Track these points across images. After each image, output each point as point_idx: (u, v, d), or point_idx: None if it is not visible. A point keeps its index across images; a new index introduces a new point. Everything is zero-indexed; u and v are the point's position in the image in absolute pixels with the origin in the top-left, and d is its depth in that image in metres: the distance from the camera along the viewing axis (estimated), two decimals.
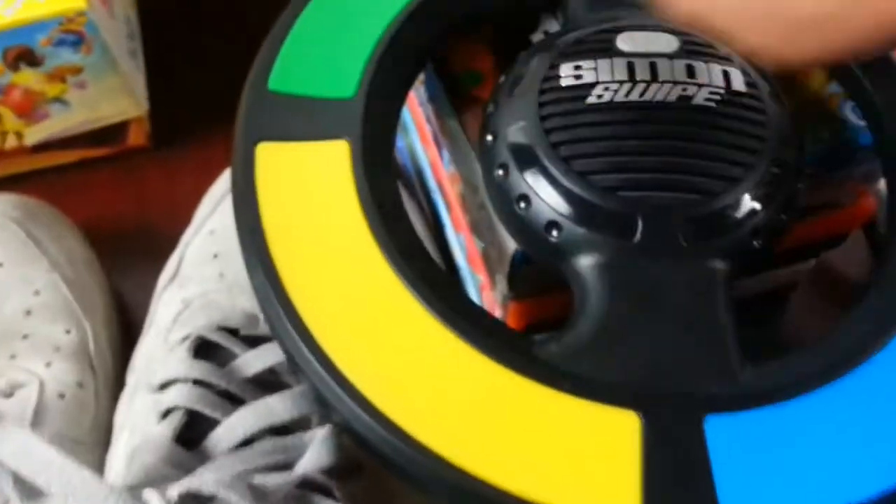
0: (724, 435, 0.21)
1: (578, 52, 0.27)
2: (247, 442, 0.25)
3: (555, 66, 0.27)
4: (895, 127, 0.28)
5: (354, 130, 0.26)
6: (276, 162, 0.26)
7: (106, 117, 0.40)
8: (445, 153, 0.34)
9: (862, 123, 0.31)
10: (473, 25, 0.32)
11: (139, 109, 0.40)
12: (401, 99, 0.28)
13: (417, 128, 0.37)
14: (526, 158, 0.26)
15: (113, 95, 0.39)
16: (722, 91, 0.26)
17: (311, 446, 0.23)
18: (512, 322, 0.32)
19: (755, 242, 0.25)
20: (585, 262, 0.24)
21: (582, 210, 0.24)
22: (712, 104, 0.25)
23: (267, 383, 0.27)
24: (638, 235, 0.24)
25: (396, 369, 0.22)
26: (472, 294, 0.35)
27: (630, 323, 0.23)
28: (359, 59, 0.28)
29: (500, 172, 0.26)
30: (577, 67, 0.26)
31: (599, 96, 0.26)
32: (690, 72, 0.26)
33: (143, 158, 0.42)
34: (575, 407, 0.22)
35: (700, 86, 0.26)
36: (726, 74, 0.26)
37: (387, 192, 0.26)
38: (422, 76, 0.34)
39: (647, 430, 0.21)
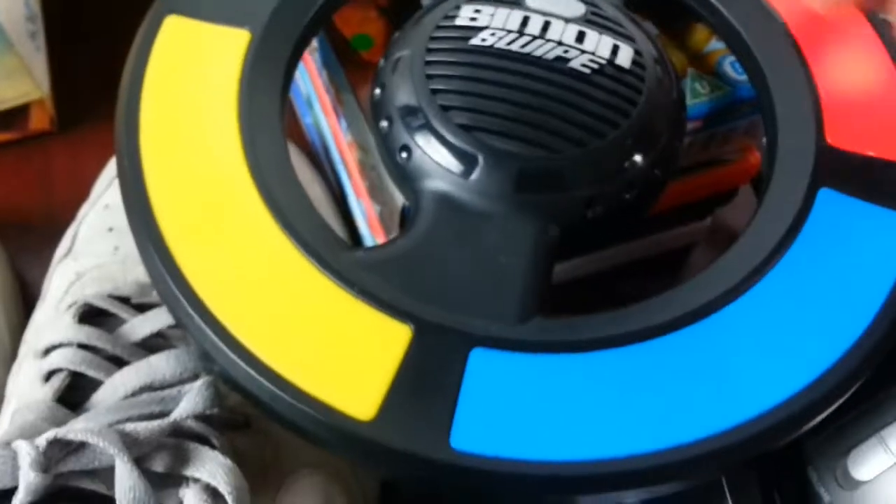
0: (486, 370, 0.22)
1: None
2: (128, 399, 0.25)
3: (458, 7, 0.27)
4: (774, 77, 0.29)
5: (260, 24, 0.27)
6: (177, 35, 0.27)
7: (6, 100, 0.39)
8: (343, 121, 0.34)
9: (741, 78, 0.32)
10: None
11: (40, 92, 0.40)
12: (315, 11, 0.29)
13: (319, 100, 0.37)
14: (401, 81, 0.26)
15: (12, 77, 0.38)
16: (602, 62, 0.26)
17: (186, 395, 0.23)
18: None
19: (588, 212, 0.25)
20: (426, 187, 0.25)
21: (432, 138, 0.25)
22: (587, 71, 0.26)
23: (155, 347, 0.27)
24: (475, 174, 0.25)
25: (248, 292, 0.23)
26: None
27: (438, 250, 0.24)
28: None
29: (378, 91, 0.27)
30: (477, 11, 0.27)
31: (483, 40, 0.26)
32: (580, 38, 0.27)
33: (47, 141, 0.42)
34: (359, 310, 0.23)
35: (582, 52, 0.26)
36: (615, 48, 0.27)
37: (268, 87, 0.27)
38: (315, 44, 0.34)
39: (415, 343, 0.22)
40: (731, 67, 0.32)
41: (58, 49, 0.43)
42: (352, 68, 0.33)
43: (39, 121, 0.41)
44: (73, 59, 0.43)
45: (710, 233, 0.39)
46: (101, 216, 0.33)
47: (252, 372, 0.22)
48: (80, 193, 0.37)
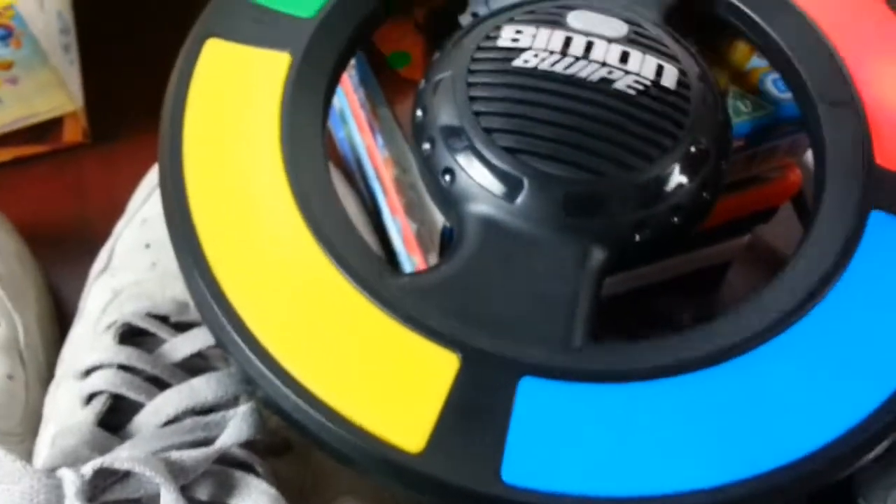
0: (537, 399, 0.22)
1: (527, 19, 0.27)
2: (170, 423, 0.24)
3: (499, 28, 0.27)
4: (820, 95, 0.28)
5: (300, 46, 0.27)
6: (218, 58, 0.27)
7: (40, 113, 0.39)
8: (379, 137, 0.34)
9: (784, 96, 0.31)
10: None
11: (74, 104, 0.40)
12: (354, 30, 0.29)
13: (354, 115, 0.37)
14: (443, 102, 0.26)
15: (46, 90, 0.38)
16: (647, 83, 0.26)
17: (231, 422, 0.23)
18: None
19: (636, 236, 0.25)
20: (470, 211, 0.25)
21: (476, 161, 0.25)
22: (632, 92, 0.26)
23: (195, 368, 0.27)
24: (521, 198, 0.24)
25: (294, 318, 0.23)
26: None
27: (484, 275, 0.24)
28: None
29: (419, 113, 0.27)
30: (518, 32, 0.27)
31: (526, 61, 0.26)
32: (623, 58, 0.26)
33: (80, 154, 0.42)
34: (405, 338, 0.23)
35: (627, 73, 0.26)
36: (660, 69, 0.26)
37: (310, 109, 0.27)
38: (353, 61, 0.34)
39: (463, 371, 0.22)
40: (773, 85, 0.31)
41: (91, 62, 0.43)
42: (389, 84, 0.33)
43: (72, 133, 0.41)
44: (105, 72, 0.43)
45: (748, 250, 0.38)
46: (137, 232, 0.33)
47: (299, 401, 0.22)
48: (113, 206, 0.37)
